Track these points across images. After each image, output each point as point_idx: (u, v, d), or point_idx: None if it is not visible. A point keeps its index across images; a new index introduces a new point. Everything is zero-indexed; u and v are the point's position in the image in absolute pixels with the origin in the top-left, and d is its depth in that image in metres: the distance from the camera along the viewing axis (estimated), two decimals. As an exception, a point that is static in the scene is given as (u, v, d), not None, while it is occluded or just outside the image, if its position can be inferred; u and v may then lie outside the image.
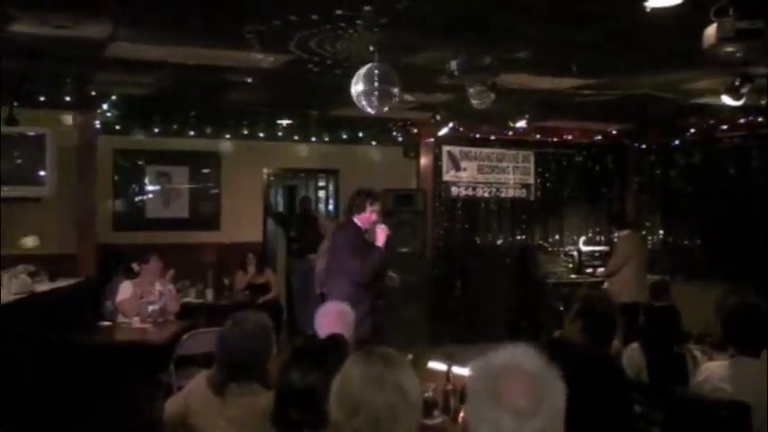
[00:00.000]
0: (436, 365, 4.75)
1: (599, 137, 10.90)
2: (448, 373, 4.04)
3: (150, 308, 6.80)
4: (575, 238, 10.97)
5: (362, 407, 2.07)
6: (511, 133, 10.11)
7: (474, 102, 6.05)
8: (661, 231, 10.76)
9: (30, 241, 7.75)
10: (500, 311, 10.28)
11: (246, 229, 9.96)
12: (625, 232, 9.05)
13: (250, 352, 2.93)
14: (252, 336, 2.95)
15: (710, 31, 4.22)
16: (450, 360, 4.28)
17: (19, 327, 5.80)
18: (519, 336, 9.42)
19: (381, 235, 5.70)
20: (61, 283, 7.12)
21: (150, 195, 9.76)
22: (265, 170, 10.38)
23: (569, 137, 10.78)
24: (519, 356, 1.83)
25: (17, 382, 5.47)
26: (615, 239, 9.56)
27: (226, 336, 2.97)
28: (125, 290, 6.89)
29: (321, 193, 11.93)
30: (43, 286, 6.60)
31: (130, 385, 5.88)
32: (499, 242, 10.69)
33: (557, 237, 11.02)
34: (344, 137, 10.28)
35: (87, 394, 6.05)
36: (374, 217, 5.77)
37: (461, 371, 3.94)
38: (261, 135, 9.85)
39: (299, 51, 5.66)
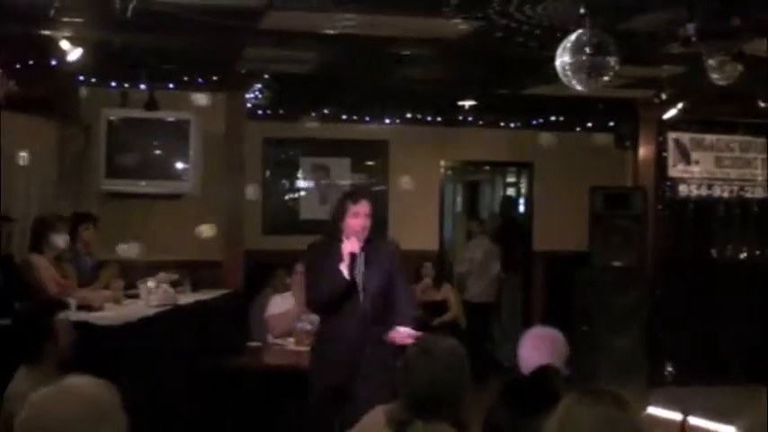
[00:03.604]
0: (660, 412, 4.67)
1: None
2: (683, 423, 3.96)
3: (300, 326, 6.99)
4: None
5: None
6: (761, 116, 9.71)
7: (714, 76, 5.89)
8: None
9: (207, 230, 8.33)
10: (742, 346, 9.89)
11: (419, 234, 10.12)
12: None
13: (442, 385, 2.99)
14: (445, 366, 3.01)
15: None
16: (680, 406, 4.19)
17: (160, 344, 6.21)
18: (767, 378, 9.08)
19: (344, 252, 5.13)
20: (205, 294, 7.55)
21: (304, 192, 10.14)
22: (442, 162, 10.52)
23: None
24: None
25: (158, 409, 5.84)
26: None
27: (412, 364, 3.06)
28: (277, 303, 7.17)
29: (511, 191, 11.95)
30: (186, 298, 7.02)
31: (284, 419, 6.13)
32: (742, 256, 10.29)
33: (822, 251, 10.49)
34: (541, 121, 10.26)
35: (235, 427, 6.39)
36: (358, 223, 5.16)
37: (702, 423, 3.85)
38: (438, 120, 9.99)
39: (495, 17, 5.72)
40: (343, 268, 5.12)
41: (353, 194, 5.37)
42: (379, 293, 5.25)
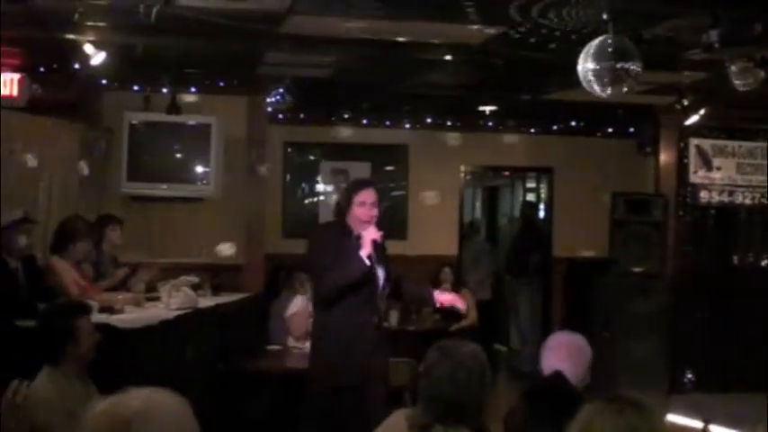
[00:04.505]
0: (680, 419, 4.64)
1: None
2: (704, 431, 3.94)
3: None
4: None
5: None
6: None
7: (737, 82, 5.87)
8: None
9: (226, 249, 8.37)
10: (763, 352, 9.81)
11: (439, 239, 10.14)
12: None
13: (464, 389, 3.00)
14: (466, 370, 3.02)
15: None
16: (701, 413, 4.17)
17: (180, 347, 6.23)
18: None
19: (366, 240, 4.91)
20: (225, 297, 7.57)
21: (324, 196, 10.15)
22: (462, 167, 10.52)
23: None
24: None
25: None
26: None
27: (433, 369, 3.06)
28: (298, 304, 7.20)
29: (530, 197, 11.93)
30: (207, 301, 7.05)
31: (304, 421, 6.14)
32: (764, 263, 10.23)
33: (844, 259, 10.41)
34: (561, 127, 10.23)
35: (254, 429, 6.41)
36: (364, 213, 5.00)
37: (723, 430, 3.84)
38: (458, 124, 9.98)
39: (518, 21, 5.71)
40: (364, 255, 4.90)
41: (358, 183, 5.27)
42: (389, 284, 5.21)
